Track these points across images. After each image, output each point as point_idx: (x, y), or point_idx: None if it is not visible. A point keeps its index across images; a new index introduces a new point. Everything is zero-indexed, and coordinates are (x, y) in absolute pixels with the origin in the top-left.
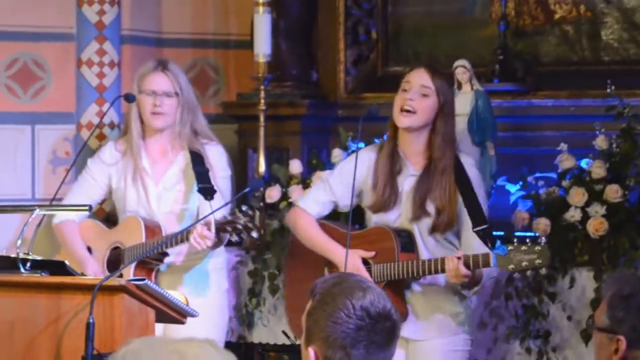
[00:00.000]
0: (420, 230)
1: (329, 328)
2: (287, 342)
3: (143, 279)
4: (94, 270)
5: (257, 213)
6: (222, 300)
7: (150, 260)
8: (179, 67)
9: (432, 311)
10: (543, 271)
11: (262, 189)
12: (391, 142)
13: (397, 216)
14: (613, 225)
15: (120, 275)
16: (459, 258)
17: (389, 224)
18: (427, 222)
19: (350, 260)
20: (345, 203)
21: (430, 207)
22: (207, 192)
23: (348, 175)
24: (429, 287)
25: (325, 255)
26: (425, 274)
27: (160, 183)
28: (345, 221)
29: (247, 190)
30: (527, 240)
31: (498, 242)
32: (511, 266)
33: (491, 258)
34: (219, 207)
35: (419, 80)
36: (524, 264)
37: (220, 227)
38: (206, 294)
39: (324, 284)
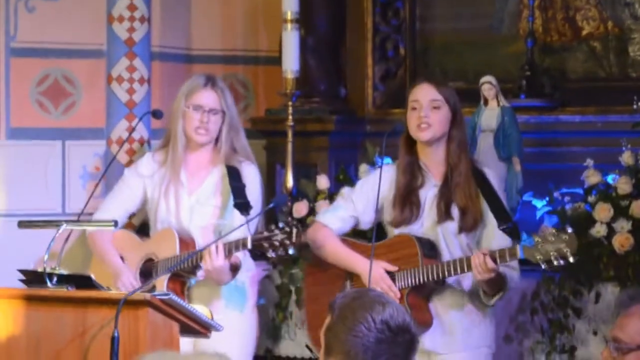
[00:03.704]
0: (446, 237)
1: (349, 342)
2: (312, 356)
3: (168, 294)
4: (129, 279)
5: (294, 230)
6: (255, 315)
7: (183, 273)
8: (225, 85)
9: (456, 323)
10: (571, 259)
11: (287, 204)
12: (406, 158)
13: (420, 226)
14: (639, 241)
15: (154, 287)
16: (484, 254)
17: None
18: (451, 226)
19: (374, 270)
20: (365, 219)
21: (454, 211)
22: (244, 207)
23: (370, 190)
24: (452, 299)
25: (348, 268)
26: (451, 274)
27: (194, 195)
28: (368, 240)
29: (271, 205)
30: (554, 230)
31: (524, 234)
32: (539, 256)
33: (518, 249)
34: (238, 226)
35: (426, 96)
36: (552, 253)
37: (257, 244)
38: (242, 308)
39: (343, 299)
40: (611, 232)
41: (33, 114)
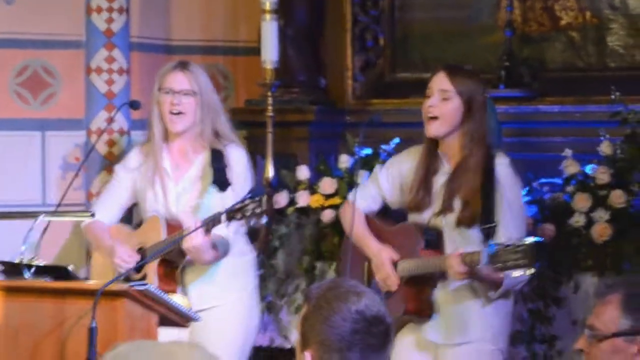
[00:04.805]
0: (447, 226)
1: (324, 332)
2: (286, 346)
3: (145, 284)
4: (125, 253)
5: (264, 197)
6: (250, 301)
7: (172, 258)
8: (200, 69)
9: (458, 314)
10: (528, 271)
11: (267, 196)
12: (429, 143)
13: (430, 215)
14: (617, 230)
15: (144, 276)
16: (458, 255)
17: (422, 222)
18: (452, 217)
19: (379, 255)
20: (391, 199)
21: (456, 203)
22: (221, 185)
23: (395, 171)
24: (456, 291)
25: (362, 249)
26: (433, 270)
27: (180, 183)
28: (394, 220)
29: (248, 196)
30: (515, 241)
31: (490, 241)
32: (499, 265)
33: (482, 255)
34: (221, 212)
35: (438, 84)
36: (509, 263)
37: (230, 216)
38: (241, 292)
39: (318, 289)
40: (590, 222)
41: (12, 105)
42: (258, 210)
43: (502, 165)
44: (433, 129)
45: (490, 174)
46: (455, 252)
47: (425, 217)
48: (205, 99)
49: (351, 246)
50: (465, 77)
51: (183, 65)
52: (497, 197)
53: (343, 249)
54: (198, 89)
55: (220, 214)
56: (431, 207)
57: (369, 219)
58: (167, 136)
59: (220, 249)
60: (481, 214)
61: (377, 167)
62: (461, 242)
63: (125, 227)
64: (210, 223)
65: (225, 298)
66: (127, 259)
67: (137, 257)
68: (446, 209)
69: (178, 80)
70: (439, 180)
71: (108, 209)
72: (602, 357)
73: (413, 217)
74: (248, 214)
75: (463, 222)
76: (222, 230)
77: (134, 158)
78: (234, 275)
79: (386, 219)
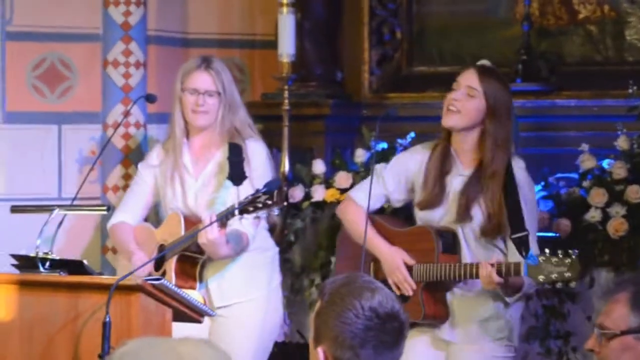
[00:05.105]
0: (466, 235)
1: (337, 328)
2: (301, 342)
3: (159, 278)
4: (142, 260)
5: (276, 190)
6: (273, 297)
7: (191, 253)
8: (223, 65)
9: (473, 315)
10: (573, 284)
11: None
12: (444, 142)
13: (442, 215)
14: (633, 225)
15: (164, 273)
16: (492, 265)
17: (433, 222)
18: (472, 227)
19: (393, 258)
20: (396, 197)
21: (476, 211)
22: (237, 177)
23: (401, 169)
24: (471, 291)
25: (369, 250)
26: (461, 278)
27: (200, 179)
28: (399, 218)
29: (262, 190)
30: (559, 252)
31: (531, 251)
32: (541, 277)
33: (522, 267)
34: (230, 210)
35: (466, 81)
36: (553, 275)
37: (243, 209)
38: (255, 290)
39: (332, 284)
40: (606, 217)
41: (29, 98)
42: (269, 202)
43: (520, 170)
44: (452, 121)
45: (512, 180)
46: (482, 260)
47: (436, 215)
48: (229, 97)
49: (364, 248)
50: (495, 79)
51: (207, 64)
52: (524, 205)
53: (338, 247)
54: (222, 88)
55: (233, 207)
56: (443, 206)
57: (374, 218)
58: (188, 132)
59: (233, 244)
60: (510, 224)
61: (380, 165)
62: (482, 252)
63: (150, 225)
64: (224, 217)
65: (247, 294)
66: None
67: (151, 267)
68: (464, 217)
69: (202, 80)
70: (453, 181)
71: (132, 208)
72: (612, 356)
73: (423, 215)
74: (260, 206)
75: (487, 234)
76: (244, 226)
77: (155, 155)
78: (256, 271)
79: (389, 217)
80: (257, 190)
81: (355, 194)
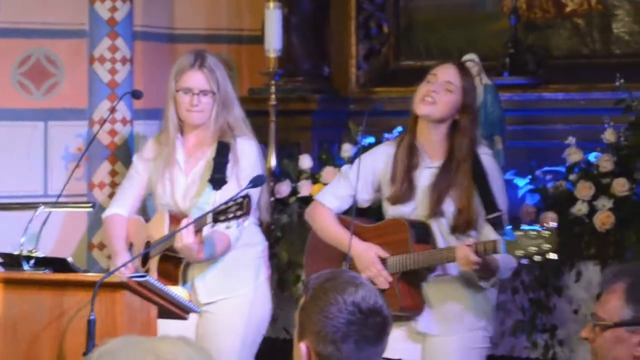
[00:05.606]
0: (441, 230)
1: (320, 323)
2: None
3: (144, 276)
4: (122, 262)
5: (245, 200)
6: (260, 292)
7: (174, 254)
8: (217, 60)
9: (449, 305)
10: (551, 256)
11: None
12: (410, 135)
13: (413, 209)
14: (620, 219)
15: (147, 270)
16: (469, 246)
17: (405, 216)
18: (445, 222)
19: (366, 254)
20: (363, 197)
21: (447, 206)
22: (216, 182)
23: (367, 169)
24: (445, 281)
25: (342, 249)
26: (438, 264)
27: (190, 176)
28: (368, 218)
29: (248, 186)
30: (537, 226)
31: (507, 228)
32: (520, 252)
33: (499, 244)
34: (209, 211)
35: (445, 75)
36: (531, 249)
37: (215, 218)
38: (242, 286)
39: (317, 279)
40: (592, 210)
41: (15, 95)
42: (239, 213)
43: (486, 155)
44: (427, 109)
45: (480, 168)
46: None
47: (407, 210)
48: (222, 94)
49: (350, 247)
50: (469, 75)
51: (201, 62)
52: (495, 188)
53: (307, 251)
54: (216, 87)
55: (207, 213)
56: (413, 201)
57: (343, 218)
58: (182, 129)
59: (208, 249)
60: (484, 206)
61: (344, 168)
62: (455, 242)
63: (141, 219)
64: (198, 223)
65: (233, 290)
66: (122, 270)
67: (131, 270)
68: (436, 212)
69: (196, 79)
70: (421, 175)
71: (126, 200)
72: (605, 347)
73: (393, 210)
74: (230, 216)
75: (459, 229)
76: (227, 228)
77: (149, 148)
78: (243, 267)
79: (358, 216)
80: (230, 199)
81: (323, 197)
